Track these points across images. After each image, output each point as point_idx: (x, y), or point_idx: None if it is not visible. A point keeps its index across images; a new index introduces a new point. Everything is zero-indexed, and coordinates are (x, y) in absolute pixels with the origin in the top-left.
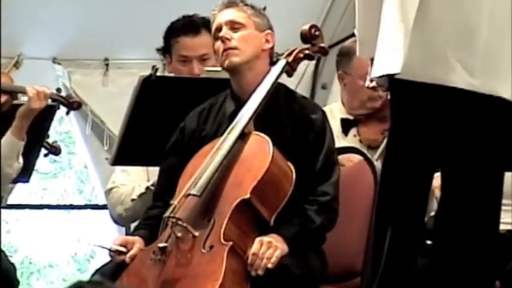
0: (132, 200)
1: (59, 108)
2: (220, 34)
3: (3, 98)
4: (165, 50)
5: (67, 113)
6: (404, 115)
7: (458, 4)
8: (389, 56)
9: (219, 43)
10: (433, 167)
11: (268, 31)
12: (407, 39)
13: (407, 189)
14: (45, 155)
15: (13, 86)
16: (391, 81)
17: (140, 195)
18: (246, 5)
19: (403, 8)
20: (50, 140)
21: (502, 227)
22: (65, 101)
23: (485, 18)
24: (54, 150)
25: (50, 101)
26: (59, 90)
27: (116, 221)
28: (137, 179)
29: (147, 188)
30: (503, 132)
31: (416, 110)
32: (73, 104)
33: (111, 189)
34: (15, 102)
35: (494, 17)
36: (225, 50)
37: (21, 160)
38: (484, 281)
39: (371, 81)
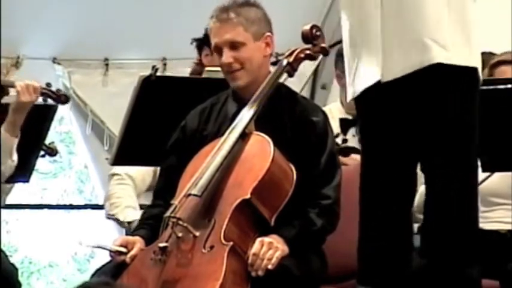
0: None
1: (46, 101)
2: (223, 59)
3: None
4: (205, 41)
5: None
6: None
7: None
8: (365, 70)
9: (221, 59)
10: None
11: (267, 34)
12: (377, 44)
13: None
14: (42, 156)
15: (2, 80)
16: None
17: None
18: (238, 11)
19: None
20: (47, 141)
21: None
22: (54, 94)
23: None
24: (51, 152)
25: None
26: (48, 84)
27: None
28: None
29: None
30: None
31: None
32: (60, 98)
33: (115, 174)
34: (5, 99)
35: None
36: (230, 72)
37: (15, 158)
38: (468, 277)
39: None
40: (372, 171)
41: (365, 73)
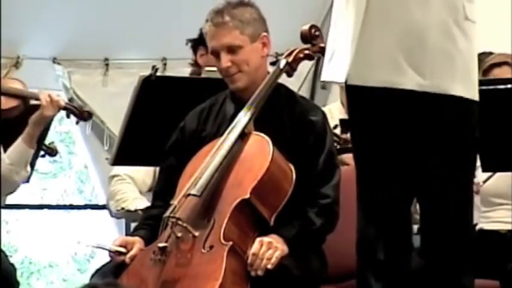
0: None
1: (68, 117)
2: (221, 64)
3: (15, 103)
4: (200, 41)
5: (77, 123)
6: (361, 119)
7: (405, 7)
8: (337, 64)
9: (220, 64)
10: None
11: (263, 34)
12: (353, 46)
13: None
14: (42, 156)
15: (25, 92)
16: (347, 87)
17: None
18: (233, 13)
19: (349, 15)
20: (47, 141)
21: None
22: (77, 111)
23: (433, 20)
24: (51, 152)
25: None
26: (71, 100)
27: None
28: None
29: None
30: (459, 128)
31: (371, 114)
32: (83, 114)
33: (115, 176)
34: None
35: (442, 19)
36: (228, 75)
37: (29, 168)
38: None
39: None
40: (369, 171)
41: (336, 68)
